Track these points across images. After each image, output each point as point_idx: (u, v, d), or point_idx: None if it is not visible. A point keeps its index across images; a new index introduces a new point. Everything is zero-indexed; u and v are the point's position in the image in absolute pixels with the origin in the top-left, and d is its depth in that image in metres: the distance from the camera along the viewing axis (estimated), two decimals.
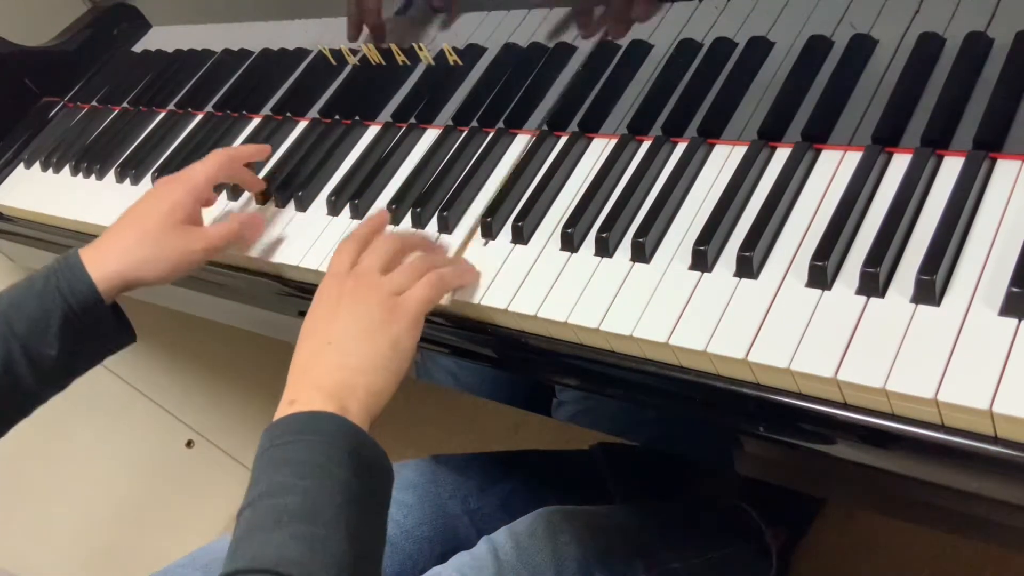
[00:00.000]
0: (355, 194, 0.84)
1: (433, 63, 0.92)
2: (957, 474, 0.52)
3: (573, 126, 0.79)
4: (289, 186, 0.89)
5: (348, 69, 0.99)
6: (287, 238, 0.85)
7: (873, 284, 0.55)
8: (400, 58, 0.93)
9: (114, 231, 0.79)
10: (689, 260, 0.63)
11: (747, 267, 0.60)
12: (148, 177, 1.03)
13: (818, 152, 0.66)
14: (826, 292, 0.57)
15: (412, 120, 0.90)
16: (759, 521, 1.01)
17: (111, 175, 1.07)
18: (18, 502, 1.32)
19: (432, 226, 0.78)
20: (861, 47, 0.69)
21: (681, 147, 0.72)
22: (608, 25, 0.83)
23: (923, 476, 0.54)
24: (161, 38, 1.24)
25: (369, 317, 0.64)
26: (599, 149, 0.76)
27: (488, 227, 0.74)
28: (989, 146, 0.59)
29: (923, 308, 0.53)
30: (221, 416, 1.56)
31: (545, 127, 0.80)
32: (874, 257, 0.56)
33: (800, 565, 1.11)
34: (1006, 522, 0.53)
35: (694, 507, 1.03)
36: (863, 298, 0.55)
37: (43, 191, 1.13)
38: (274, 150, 0.97)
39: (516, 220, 0.72)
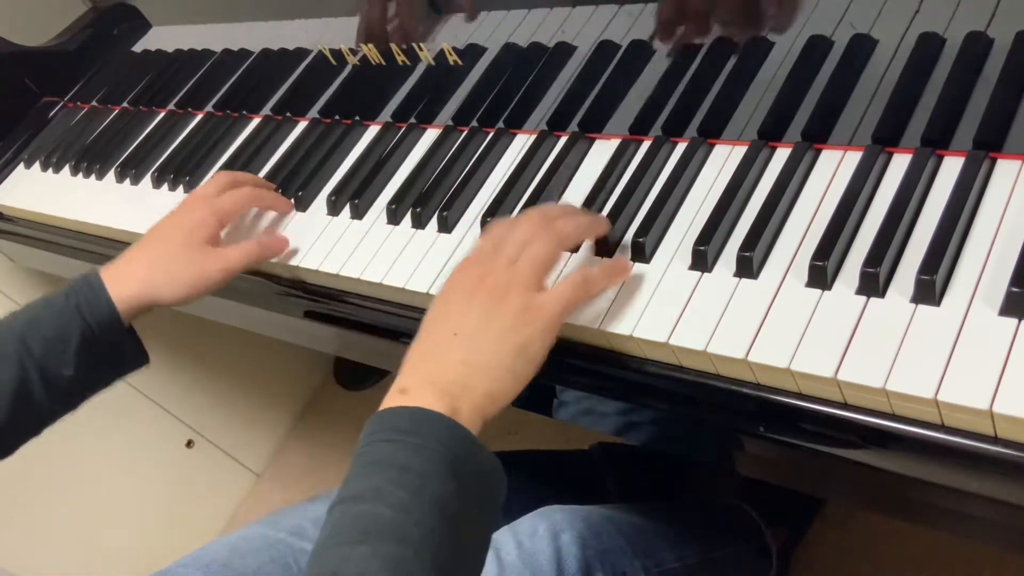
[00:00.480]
0: (355, 194, 0.84)
1: (433, 63, 0.92)
2: (957, 474, 0.52)
3: (573, 126, 0.79)
4: (289, 186, 0.89)
5: (348, 69, 0.99)
6: (287, 238, 0.84)
7: (873, 284, 0.55)
8: (400, 58, 0.93)
9: (137, 250, 0.78)
10: (689, 260, 0.63)
11: (747, 267, 0.60)
12: (148, 177, 1.03)
13: (818, 152, 0.66)
14: (826, 292, 0.57)
15: (412, 120, 0.90)
16: (759, 521, 1.00)
17: (111, 175, 1.07)
18: (18, 502, 1.32)
19: (432, 226, 0.78)
20: (861, 47, 0.68)
21: (681, 147, 0.72)
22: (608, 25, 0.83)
23: (923, 476, 0.54)
24: (161, 38, 1.23)
25: (502, 315, 0.59)
26: (599, 149, 0.76)
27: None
28: (989, 146, 0.59)
29: (923, 308, 0.53)
30: (221, 416, 1.56)
31: (545, 127, 0.80)
32: (874, 257, 0.56)
33: (800, 565, 1.11)
34: (1006, 522, 0.53)
35: (694, 507, 1.03)
36: (863, 298, 0.55)
37: (43, 191, 1.13)
38: (274, 150, 0.97)
39: None
